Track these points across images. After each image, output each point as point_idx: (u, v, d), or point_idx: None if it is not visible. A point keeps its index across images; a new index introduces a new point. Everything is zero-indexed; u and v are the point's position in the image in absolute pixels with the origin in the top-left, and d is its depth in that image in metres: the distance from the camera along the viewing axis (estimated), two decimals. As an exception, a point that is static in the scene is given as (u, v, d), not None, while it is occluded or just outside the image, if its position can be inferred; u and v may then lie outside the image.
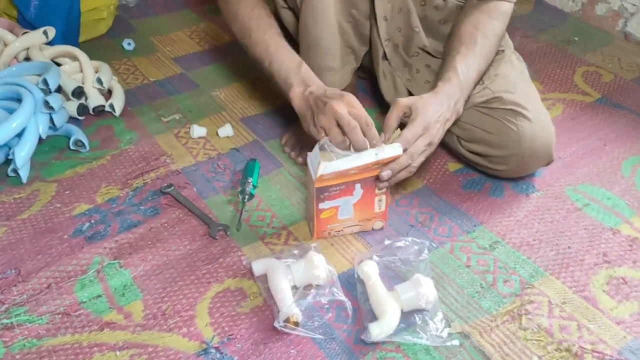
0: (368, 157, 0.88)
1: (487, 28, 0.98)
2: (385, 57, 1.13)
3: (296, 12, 1.09)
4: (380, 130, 0.90)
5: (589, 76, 1.41)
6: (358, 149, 0.88)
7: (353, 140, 0.88)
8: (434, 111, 0.90)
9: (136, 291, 0.90)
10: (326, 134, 0.90)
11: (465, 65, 0.95)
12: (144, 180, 1.11)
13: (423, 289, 0.84)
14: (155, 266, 0.94)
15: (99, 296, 0.90)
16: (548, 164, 1.07)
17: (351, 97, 0.91)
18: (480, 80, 1.01)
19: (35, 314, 0.87)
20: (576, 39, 1.57)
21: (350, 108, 0.89)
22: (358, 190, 0.93)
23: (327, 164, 0.87)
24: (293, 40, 1.11)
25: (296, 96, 0.97)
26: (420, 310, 0.85)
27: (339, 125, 0.89)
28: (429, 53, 1.11)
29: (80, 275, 0.93)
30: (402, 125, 0.91)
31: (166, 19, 1.67)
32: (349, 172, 0.89)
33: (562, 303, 0.88)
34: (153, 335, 0.84)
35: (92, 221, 1.02)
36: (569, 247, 0.97)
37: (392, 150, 0.88)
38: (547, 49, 1.52)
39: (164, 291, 0.90)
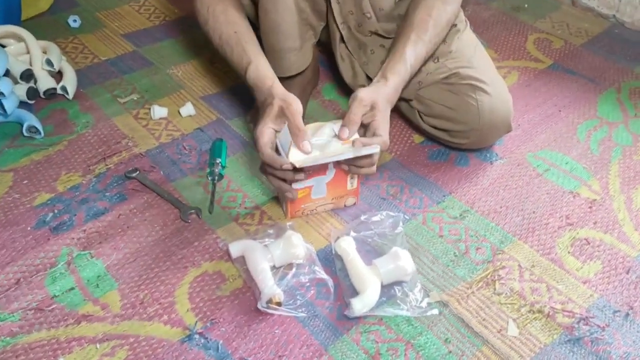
0: (345, 154, 0.88)
1: (440, 15, 0.99)
2: (342, 39, 1.12)
3: None
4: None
5: (540, 43, 1.45)
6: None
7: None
8: (387, 116, 0.92)
9: (111, 281, 0.88)
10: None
11: (414, 55, 0.97)
12: (106, 165, 1.07)
13: (401, 262, 0.86)
14: (128, 254, 0.92)
15: (72, 289, 0.87)
16: (507, 132, 1.10)
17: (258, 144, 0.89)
18: (426, 61, 1.02)
19: (6, 311, 0.83)
20: (526, 5, 1.59)
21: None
22: (331, 169, 0.93)
23: (304, 158, 0.86)
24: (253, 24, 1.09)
25: None
26: (399, 283, 0.87)
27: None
28: (381, 35, 1.11)
29: (49, 268, 0.90)
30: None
31: (111, -8, 1.60)
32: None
33: (531, 267, 0.92)
34: (133, 325, 0.83)
35: (56, 211, 0.98)
36: (533, 212, 1.01)
37: (369, 149, 0.88)
38: (499, 17, 1.55)
39: (140, 279, 0.88)
